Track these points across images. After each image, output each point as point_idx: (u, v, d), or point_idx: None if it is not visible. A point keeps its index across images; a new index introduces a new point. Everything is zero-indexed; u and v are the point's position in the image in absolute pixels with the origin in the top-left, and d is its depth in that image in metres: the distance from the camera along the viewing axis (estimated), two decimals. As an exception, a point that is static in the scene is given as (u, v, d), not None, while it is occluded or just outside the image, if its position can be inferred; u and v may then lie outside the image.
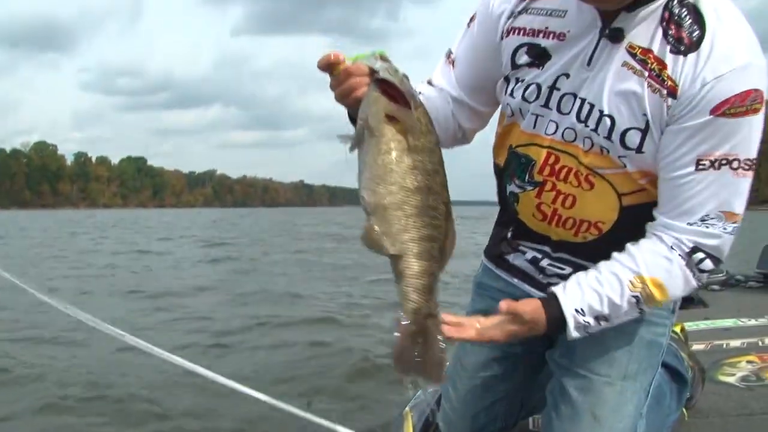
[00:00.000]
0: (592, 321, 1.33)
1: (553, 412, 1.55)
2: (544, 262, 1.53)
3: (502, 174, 1.55)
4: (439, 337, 1.23)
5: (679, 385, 1.85)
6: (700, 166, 1.25)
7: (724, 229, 1.29)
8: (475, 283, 1.71)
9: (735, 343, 2.80)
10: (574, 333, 1.34)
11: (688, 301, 3.62)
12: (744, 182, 1.28)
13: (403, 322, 1.21)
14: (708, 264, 1.32)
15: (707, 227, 1.29)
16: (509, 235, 1.60)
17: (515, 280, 1.59)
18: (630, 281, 1.33)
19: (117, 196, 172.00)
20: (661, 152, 1.29)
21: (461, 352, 1.72)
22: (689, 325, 3.00)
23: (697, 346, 2.71)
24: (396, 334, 1.23)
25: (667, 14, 1.27)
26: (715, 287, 3.89)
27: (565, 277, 1.45)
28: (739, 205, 1.29)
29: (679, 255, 1.31)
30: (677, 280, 1.32)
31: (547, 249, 1.52)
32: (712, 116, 1.22)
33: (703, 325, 3.14)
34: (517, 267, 1.58)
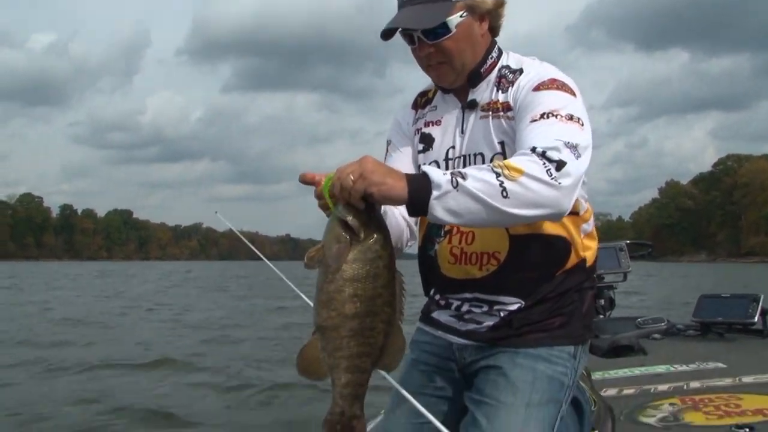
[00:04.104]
0: (448, 176, 1.43)
1: None
2: (464, 308, 1.81)
3: (423, 248, 1.89)
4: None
5: (579, 415, 2.03)
6: (538, 118, 1.61)
7: (563, 143, 1.51)
8: (410, 341, 1.91)
9: (663, 387, 2.93)
10: (434, 192, 1.41)
11: (629, 350, 3.74)
12: (572, 126, 1.59)
13: (328, 417, 1.47)
14: (554, 155, 1.49)
15: (552, 144, 1.50)
16: (432, 293, 1.92)
17: (439, 332, 1.88)
18: (491, 164, 1.50)
19: (102, 248, 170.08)
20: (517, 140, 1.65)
21: (389, 424, 1.88)
22: (625, 372, 3.23)
23: (627, 391, 2.90)
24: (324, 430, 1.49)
25: (499, 77, 1.80)
26: (657, 336, 3.92)
27: (481, 317, 1.77)
28: (572, 136, 1.55)
29: (534, 154, 1.49)
30: (534, 165, 1.46)
31: (466, 295, 1.80)
32: (533, 92, 1.69)
33: (637, 371, 3.26)
34: (441, 322, 1.87)
